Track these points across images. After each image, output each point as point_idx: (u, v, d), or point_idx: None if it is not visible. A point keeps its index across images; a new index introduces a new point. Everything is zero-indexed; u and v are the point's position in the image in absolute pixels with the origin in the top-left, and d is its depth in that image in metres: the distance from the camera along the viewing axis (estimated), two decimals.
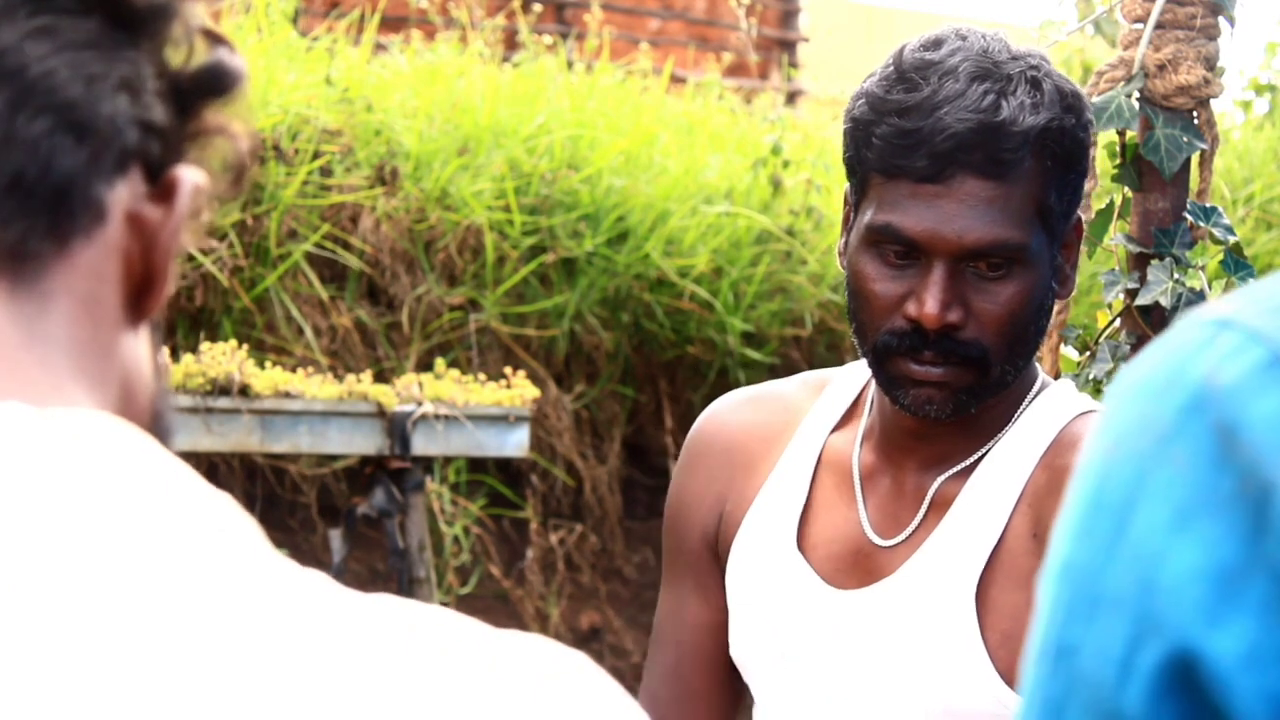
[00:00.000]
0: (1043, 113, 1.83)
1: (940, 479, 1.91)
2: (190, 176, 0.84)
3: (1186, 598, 0.73)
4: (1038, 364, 1.96)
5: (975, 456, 1.91)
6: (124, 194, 0.82)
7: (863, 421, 1.97)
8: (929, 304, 1.82)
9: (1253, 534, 0.72)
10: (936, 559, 1.88)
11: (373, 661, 0.72)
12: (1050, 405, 1.91)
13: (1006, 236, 1.83)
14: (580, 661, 0.75)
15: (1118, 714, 0.74)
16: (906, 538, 1.91)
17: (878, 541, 1.92)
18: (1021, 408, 1.92)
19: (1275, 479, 0.72)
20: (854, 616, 1.90)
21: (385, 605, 0.74)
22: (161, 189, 0.84)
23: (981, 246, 1.83)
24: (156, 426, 0.86)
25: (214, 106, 0.85)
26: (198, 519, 0.75)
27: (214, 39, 0.85)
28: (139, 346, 0.85)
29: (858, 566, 1.93)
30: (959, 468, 1.91)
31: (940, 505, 1.90)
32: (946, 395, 1.86)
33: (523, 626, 6.28)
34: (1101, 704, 0.75)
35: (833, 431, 1.99)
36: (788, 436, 2.01)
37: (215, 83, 0.85)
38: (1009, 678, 1.83)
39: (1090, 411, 1.91)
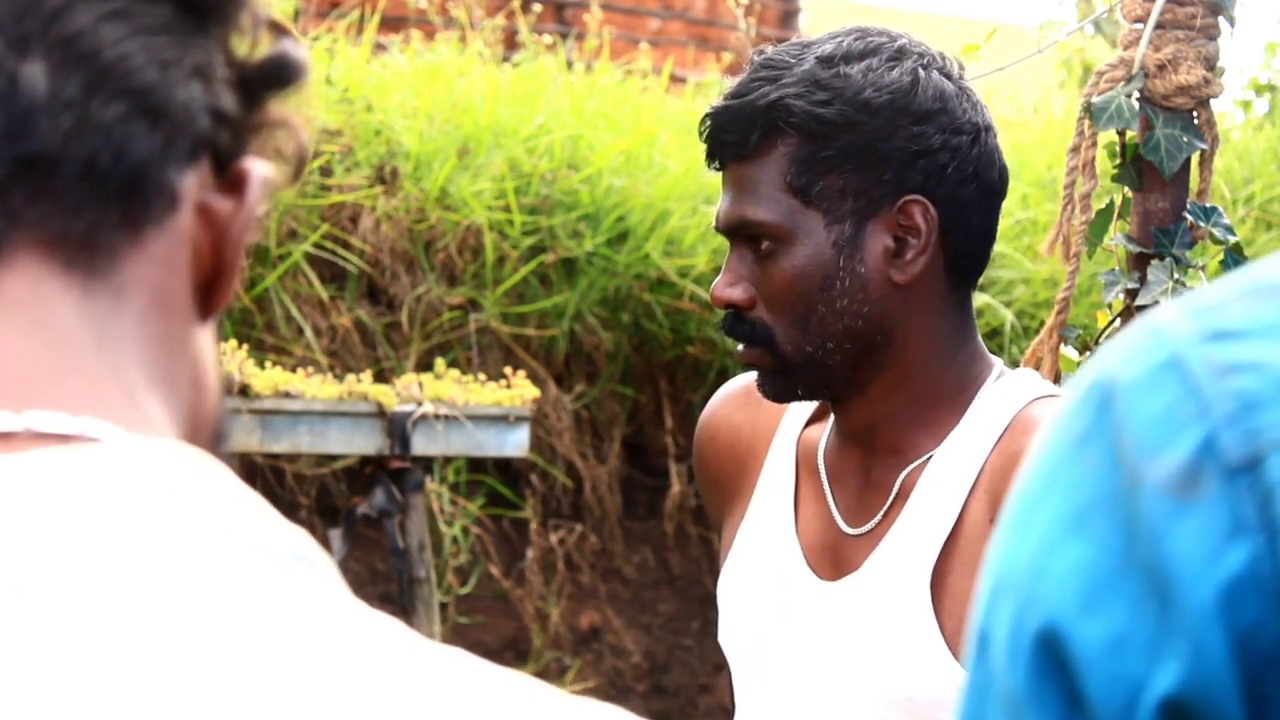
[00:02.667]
0: (775, 93, 1.87)
1: (905, 470, 1.92)
2: (260, 169, 0.82)
3: (1066, 586, 0.74)
4: (989, 352, 1.96)
5: (938, 446, 1.91)
6: (194, 183, 0.80)
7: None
8: (714, 284, 1.90)
9: (1129, 533, 0.74)
10: (895, 549, 1.89)
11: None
12: (1004, 391, 1.92)
13: (749, 215, 1.89)
14: None
15: (1013, 694, 0.75)
16: (872, 529, 1.92)
17: (849, 533, 1.94)
18: (976, 396, 1.92)
19: (1144, 480, 0.73)
20: (827, 608, 1.92)
21: (459, 661, 0.71)
22: (230, 180, 0.82)
23: (731, 226, 1.91)
24: (218, 430, 0.83)
25: (278, 98, 0.83)
26: (272, 561, 0.71)
27: (277, 30, 0.84)
28: (206, 344, 0.83)
29: (834, 558, 1.94)
30: (924, 458, 1.91)
31: (903, 496, 1.92)
32: (764, 379, 1.92)
33: (522, 626, 6.28)
34: (1003, 687, 0.76)
35: (809, 425, 2.01)
36: (775, 431, 2.03)
37: (280, 74, 0.83)
38: None
39: (1044, 396, 1.92)
